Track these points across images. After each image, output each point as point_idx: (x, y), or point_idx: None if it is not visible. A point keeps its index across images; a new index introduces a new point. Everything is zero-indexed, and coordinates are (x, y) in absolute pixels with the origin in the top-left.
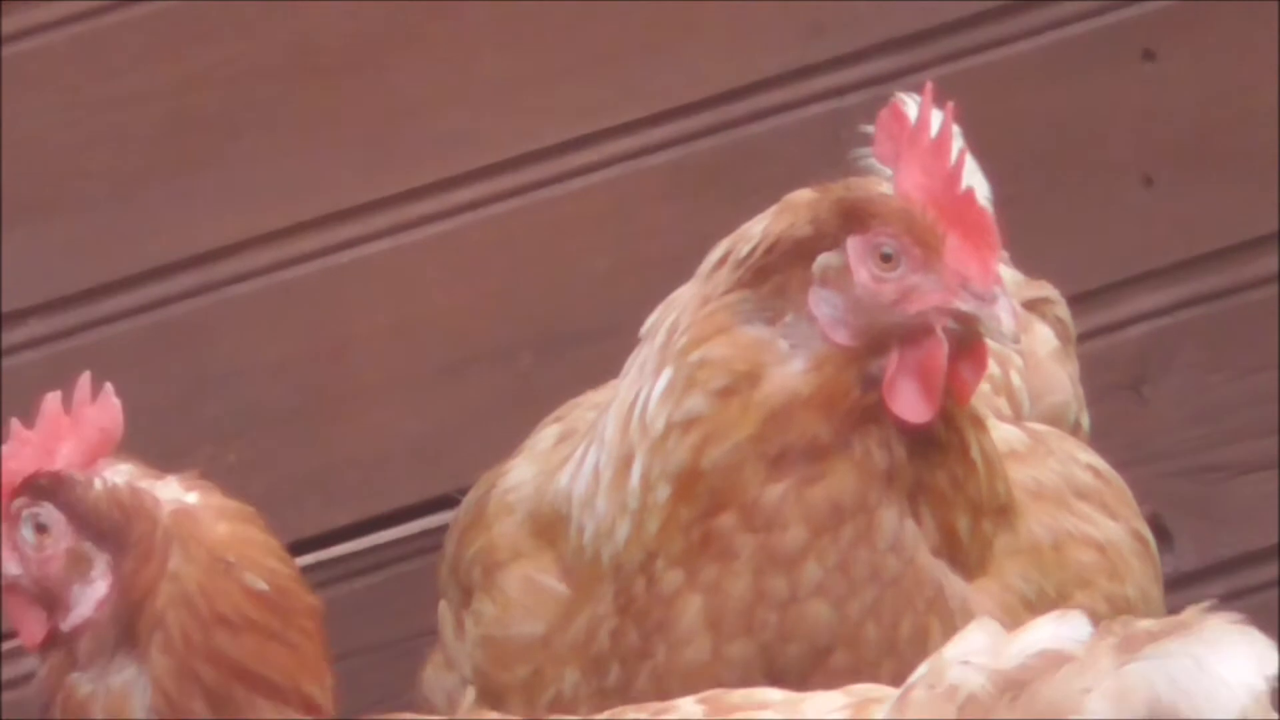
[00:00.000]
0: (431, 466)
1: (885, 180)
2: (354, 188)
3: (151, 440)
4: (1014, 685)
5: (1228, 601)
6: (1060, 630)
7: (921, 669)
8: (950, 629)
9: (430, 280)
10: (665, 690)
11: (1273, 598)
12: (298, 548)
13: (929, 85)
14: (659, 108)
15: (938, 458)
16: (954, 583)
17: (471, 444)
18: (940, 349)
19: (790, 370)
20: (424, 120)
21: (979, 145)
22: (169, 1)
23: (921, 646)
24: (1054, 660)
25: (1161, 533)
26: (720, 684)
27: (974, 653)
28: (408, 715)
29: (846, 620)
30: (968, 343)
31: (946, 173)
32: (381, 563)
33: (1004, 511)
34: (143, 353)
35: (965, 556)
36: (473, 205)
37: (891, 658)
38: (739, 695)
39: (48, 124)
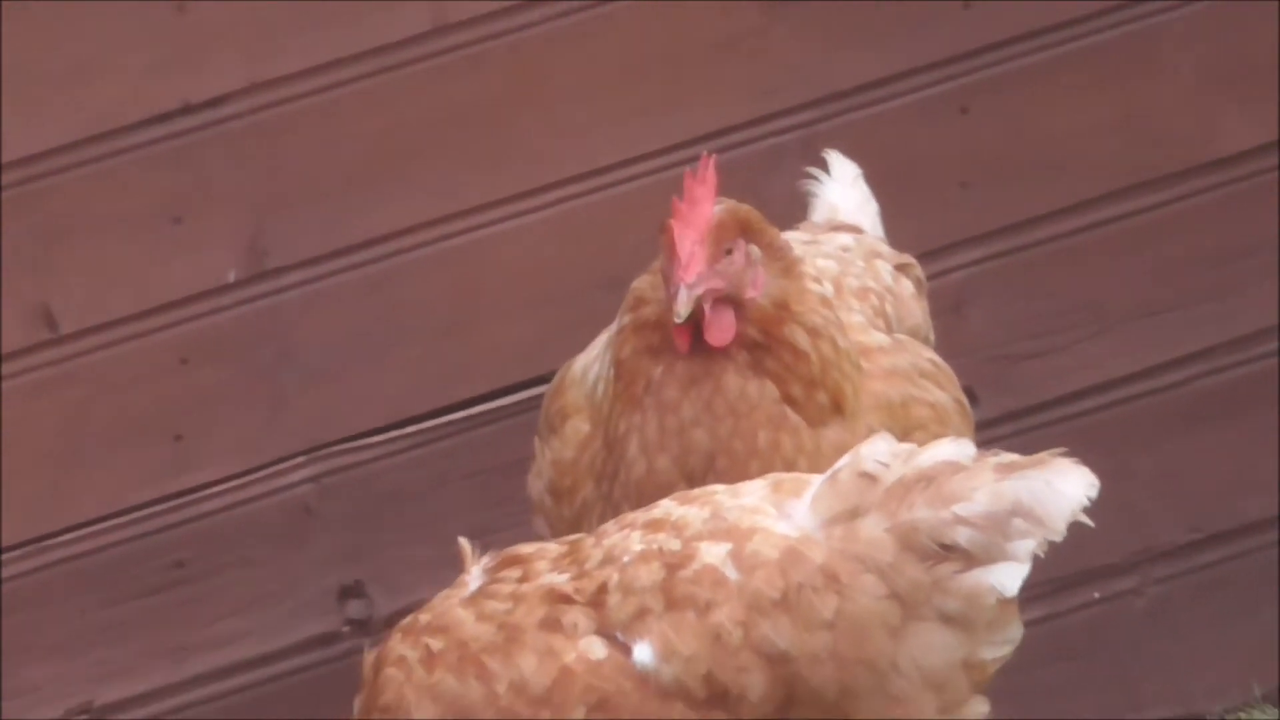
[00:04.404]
0: (531, 359)
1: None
2: (481, 191)
3: (362, 340)
4: (926, 478)
5: (1015, 437)
6: (954, 448)
7: (844, 459)
8: (797, 441)
9: (528, 249)
10: (626, 494)
11: (1042, 436)
12: (456, 407)
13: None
14: (669, 143)
15: (766, 352)
16: (795, 418)
17: (556, 346)
18: (703, 313)
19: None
20: (525, 148)
21: (867, 166)
22: (370, 80)
23: (775, 450)
24: (953, 467)
25: (972, 397)
26: (658, 488)
27: (884, 455)
28: (529, 546)
29: (719, 439)
30: (733, 307)
31: (688, 200)
32: (505, 415)
33: (839, 397)
34: (364, 289)
35: (803, 412)
36: (557, 202)
37: (756, 459)
38: (697, 491)
39: (311, 155)
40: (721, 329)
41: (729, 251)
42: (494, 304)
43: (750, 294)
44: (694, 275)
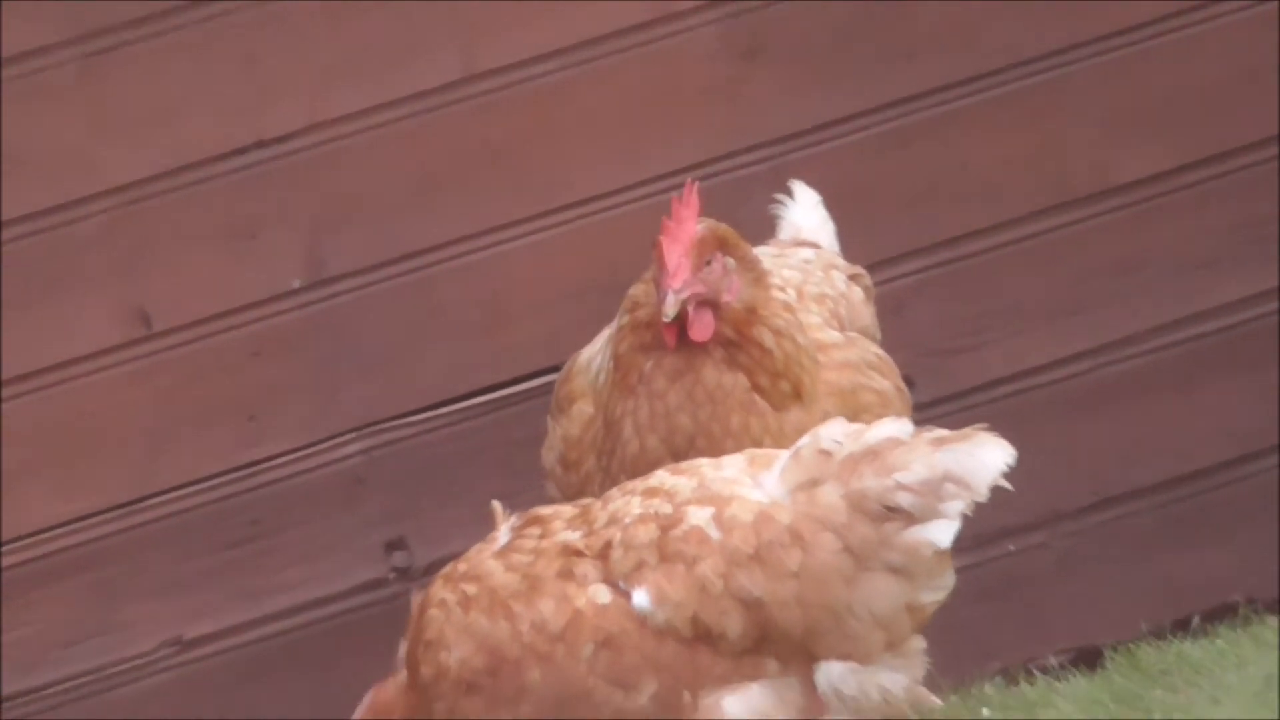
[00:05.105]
0: (546, 351)
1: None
2: (505, 212)
3: (406, 336)
4: (873, 452)
5: (947, 417)
6: (895, 427)
7: (805, 439)
8: (764, 423)
9: (544, 260)
10: (623, 468)
11: (969, 417)
12: (484, 391)
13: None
14: (660, 172)
15: (738, 349)
16: (762, 404)
17: (567, 340)
18: (687, 314)
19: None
20: (541, 176)
21: (826, 192)
22: (412, 120)
23: (746, 431)
24: (894, 442)
25: (911, 385)
26: (648, 464)
27: (839, 435)
28: (545, 508)
29: (700, 422)
30: (712, 309)
31: (676, 219)
32: (526, 398)
33: (799, 386)
34: (408, 294)
35: (769, 398)
36: (568, 221)
37: (730, 439)
38: (685, 464)
39: (362, 182)
40: (702, 327)
41: (709, 262)
42: (515, 306)
43: (726, 298)
44: (680, 282)
